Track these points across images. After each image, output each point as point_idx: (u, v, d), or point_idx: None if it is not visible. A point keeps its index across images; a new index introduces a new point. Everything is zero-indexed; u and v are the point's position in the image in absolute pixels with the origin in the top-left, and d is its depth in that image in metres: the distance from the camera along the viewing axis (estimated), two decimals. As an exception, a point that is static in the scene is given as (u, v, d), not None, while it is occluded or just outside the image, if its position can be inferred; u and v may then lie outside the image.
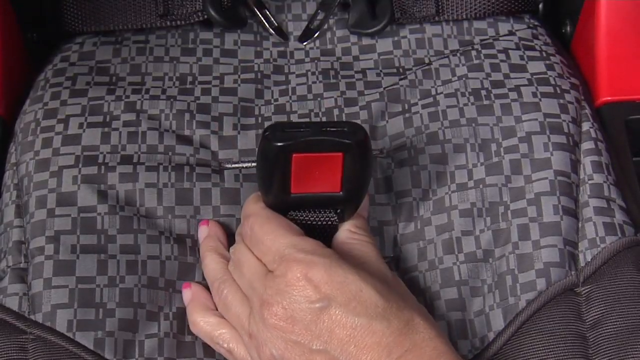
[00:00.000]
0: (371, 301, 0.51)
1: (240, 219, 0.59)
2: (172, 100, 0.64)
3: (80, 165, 0.60)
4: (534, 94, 0.64)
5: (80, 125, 0.62)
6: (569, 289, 0.58)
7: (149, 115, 0.63)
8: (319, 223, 0.56)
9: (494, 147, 0.62)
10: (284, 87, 0.66)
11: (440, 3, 0.68)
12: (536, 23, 0.69)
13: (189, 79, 0.66)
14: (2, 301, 0.57)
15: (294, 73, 0.67)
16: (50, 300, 0.56)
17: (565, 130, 0.62)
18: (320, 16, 0.70)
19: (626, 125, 0.65)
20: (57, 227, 0.59)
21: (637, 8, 0.66)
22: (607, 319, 0.56)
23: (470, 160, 0.62)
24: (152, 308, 0.57)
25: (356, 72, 0.67)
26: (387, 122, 0.64)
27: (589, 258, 0.58)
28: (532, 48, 0.67)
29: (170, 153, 0.62)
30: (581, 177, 0.61)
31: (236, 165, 0.62)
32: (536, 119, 0.63)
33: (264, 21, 0.69)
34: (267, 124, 0.64)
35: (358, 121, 0.64)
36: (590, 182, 0.61)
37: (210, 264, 0.58)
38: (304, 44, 0.69)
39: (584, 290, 0.58)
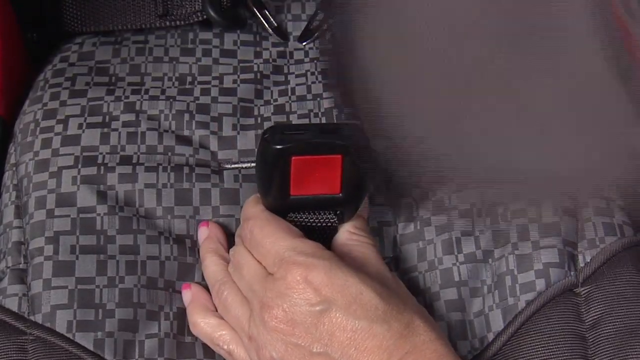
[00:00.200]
0: (371, 304, 0.51)
1: (239, 219, 0.59)
2: (171, 100, 0.64)
3: (79, 166, 0.60)
4: (534, 94, 0.64)
5: (80, 126, 0.62)
6: (568, 290, 0.58)
7: (148, 115, 0.63)
8: (319, 225, 0.56)
9: (493, 147, 0.62)
10: (283, 87, 0.66)
11: (439, 3, 0.68)
12: (536, 23, 0.69)
13: (189, 79, 0.66)
14: (1, 302, 0.57)
15: (293, 73, 0.67)
16: (49, 300, 0.56)
17: (565, 130, 0.62)
18: (319, 16, 0.69)
19: (626, 125, 0.65)
20: (56, 227, 0.59)
21: (637, 8, 0.66)
22: (607, 320, 0.56)
23: (470, 160, 0.62)
24: (152, 308, 0.57)
25: None
26: (387, 122, 0.64)
27: (588, 258, 0.58)
28: (531, 48, 0.67)
29: (169, 153, 0.62)
30: (581, 177, 0.61)
31: (235, 165, 0.62)
32: (536, 119, 0.63)
33: (264, 21, 0.69)
34: (266, 124, 0.64)
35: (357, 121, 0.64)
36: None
37: (210, 265, 0.58)
38: (304, 44, 0.69)
39: (583, 290, 0.58)
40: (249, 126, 0.64)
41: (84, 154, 0.61)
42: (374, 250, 0.56)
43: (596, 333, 0.56)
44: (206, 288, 0.58)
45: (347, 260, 0.54)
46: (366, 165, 0.53)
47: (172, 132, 0.63)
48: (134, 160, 0.61)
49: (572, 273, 0.58)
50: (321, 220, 0.55)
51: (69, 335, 0.56)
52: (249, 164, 0.62)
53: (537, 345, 0.56)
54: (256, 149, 0.62)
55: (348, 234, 0.56)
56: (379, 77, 0.51)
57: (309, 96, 0.65)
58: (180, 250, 0.59)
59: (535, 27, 0.47)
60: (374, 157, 0.56)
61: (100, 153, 0.61)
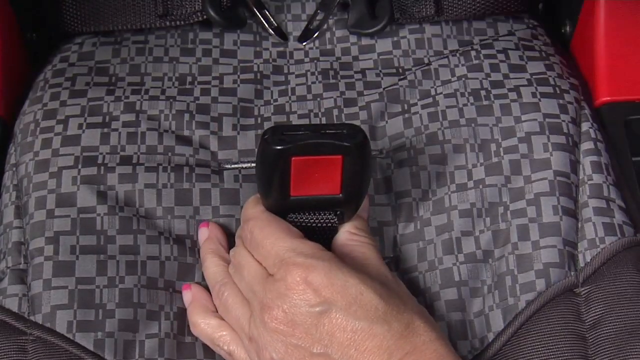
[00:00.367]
0: (371, 304, 0.51)
1: (239, 219, 0.59)
2: (171, 100, 0.64)
3: (79, 166, 0.60)
4: (534, 94, 0.64)
5: (80, 126, 0.62)
6: (568, 290, 0.58)
7: (148, 115, 0.63)
8: (319, 225, 0.56)
9: (493, 147, 0.62)
10: (283, 87, 0.66)
11: (439, 3, 0.68)
12: (536, 23, 0.69)
13: (189, 79, 0.66)
14: (1, 302, 0.57)
15: (293, 73, 0.67)
16: (50, 301, 0.57)
17: (565, 130, 0.62)
18: (319, 16, 0.69)
19: (626, 125, 0.65)
20: (56, 227, 0.59)
21: (637, 8, 0.66)
22: (607, 320, 0.56)
23: (469, 160, 0.62)
24: (152, 308, 0.57)
25: (355, 72, 0.67)
26: (387, 122, 0.64)
27: (588, 258, 0.58)
28: (531, 48, 0.67)
29: (169, 154, 0.62)
30: (580, 177, 0.61)
31: (236, 165, 0.62)
32: (535, 120, 0.63)
33: (264, 21, 0.69)
34: (266, 124, 0.64)
35: (357, 122, 0.64)
36: (589, 182, 0.61)
37: (211, 266, 0.58)
38: (304, 44, 0.69)
39: (583, 290, 0.58)
40: (249, 126, 0.64)
41: (84, 154, 0.61)
42: (374, 250, 0.56)
43: (596, 333, 0.56)
44: (206, 288, 0.58)
45: (347, 261, 0.54)
46: (366, 165, 0.53)
47: (172, 132, 0.63)
48: (134, 161, 0.61)
49: (572, 273, 0.58)
50: (321, 221, 0.55)
51: (69, 336, 0.56)
52: (249, 164, 0.62)
53: (537, 345, 0.56)
54: (256, 150, 0.62)
55: (348, 234, 0.56)
56: None
57: (309, 96, 0.65)
58: (180, 251, 0.59)
59: None
60: (373, 157, 0.56)
61: (101, 153, 0.61)
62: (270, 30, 0.69)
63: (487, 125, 0.63)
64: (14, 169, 0.62)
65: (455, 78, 0.65)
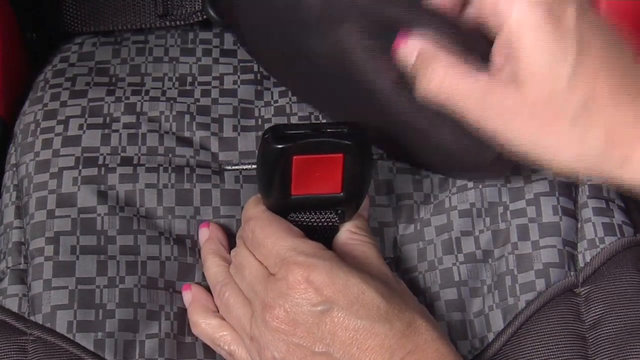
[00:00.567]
0: (373, 303, 0.51)
1: (240, 220, 0.59)
2: (172, 102, 0.64)
3: (80, 167, 0.60)
4: (534, 94, 0.64)
5: (80, 127, 0.62)
6: (568, 290, 0.58)
7: (149, 117, 0.63)
8: (320, 224, 0.56)
9: (493, 147, 0.62)
10: (283, 88, 0.66)
11: (439, 3, 0.68)
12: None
13: (189, 79, 0.66)
14: (1, 302, 0.57)
15: None
16: (50, 301, 0.56)
17: (565, 130, 0.62)
18: (319, 16, 0.69)
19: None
20: (57, 228, 0.59)
21: (637, 8, 0.66)
22: (607, 320, 0.56)
23: (470, 160, 0.62)
24: (153, 308, 0.57)
25: None
26: (387, 122, 0.64)
27: (588, 259, 0.58)
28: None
29: (170, 155, 0.62)
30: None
31: (236, 167, 0.62)
32: (536, 120, 0.63)
33: (264, 21, 0.69)
34: (267, 125, 0.64)
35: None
36: (589, 182, 0.61)
37: (212, 267, 0.58)
38: (304, 44, 0.69)
39: (583, 290, 0.58)
40: (250, 127, 0.64)
41: (85, 154, 0.61)
42: (375, 249, 0.56)
43: (596, 333, 0.56)
44: (207, 288, 0.58)
45: (348, 260, 0.54)
46: (367, 164, 0.53)
47: (173, 133, 0.63)
48: (135, 162, 0.61)
49: (572, 273, 0.58)
50: (322, 220, 0.55)
51: (69, 336, 0.56)
52: (249, 165, 0.62)
53: (537, 345, 0.56)
54: (257, 150, 0.62)
55: (349, 234, 0.56)
56: None
57: None
58: (180, 251, 0.59)
59: None
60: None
61: (101, 154, 0.61)
62: (270, 30, 0.69)
63: (487, 125, 0.63)
64: (15, 169, 0.62)
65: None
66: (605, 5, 0.66)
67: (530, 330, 0.57)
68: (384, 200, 0.61)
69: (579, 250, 0.59)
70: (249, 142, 0.63)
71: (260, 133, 0.63)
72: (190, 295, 0.58)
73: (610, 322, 0.56)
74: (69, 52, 0.67)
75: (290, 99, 0.65)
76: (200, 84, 0.65)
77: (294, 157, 0.52)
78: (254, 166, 0.62)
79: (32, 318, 0.57)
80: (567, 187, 0.60)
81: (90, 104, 0.63)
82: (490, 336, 0.58)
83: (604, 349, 0.56)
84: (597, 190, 0.61)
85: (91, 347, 0.56)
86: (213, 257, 0.58)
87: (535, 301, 0.57)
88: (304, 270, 0.51)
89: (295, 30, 0.57)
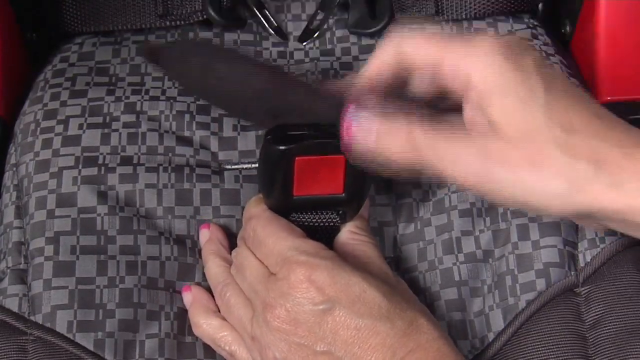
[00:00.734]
0: (375, 302, 0.51)
1: (240, 219, 0.59)
2: (171, 101, 0.64)
3: (80, 167, 0.60)
4: (534, 94, 0.64)
5: (80, 126, 0.62)
6: (568, 290, 0.58)
7: (148, 116, 0.63)
8: (321, 224, 0.56)
9: (493, 147, 0.62)
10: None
11: (439, 3, 0.68)
12: (535, 23, 0.69)
13: (189, 79, 0.66)
14: (2, 302, 0.57)
15: (293, 73, 0.67)
16: (50, 301, 0.56)
17: (565, 130, 0.62)
18: (319, 16, 0.69)
19: (626, 125, 0.65)
20: (57, 228, 0.59)
21: (637, 8, 0.66)
22: (607, 319, 0.56)
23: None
24: (153, 308, 0.57)
25: (356, 72, 0.67)
26: (387, 122, 0.64)
27: (588, 258, 0.58)
28: (531, 48, 0.67)
29: (170, 154, 0.62)
30: (581, 177, 0.61)
31: (236, 166, 0.62)
32: (536, 119, 0.63)
33: (264, 21, 0.69)
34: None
35: None
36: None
37: (213, 267, 0.58)
38: (304, 44, 0.69)
39: (583, 290, 0.58)
40: (250, 127, 0.63)
41: (85, 154, 0.61)
42: (375, 249, 0.56)
43: (596, 333, 0.56)
44: (207, 289, 0.58)
45: (349, 259, 0.54)
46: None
47: (173, 132, 0.63)
48: (135, 161, 0.61)
49: (572, 273, 0.58)
50: (324, 220, 0.55)
51: (69, 336, 0.56)
52: (249, 165, 0.62)
53: (538, 345, 0.56)
54: (257, 150, 0.62)
55: (349, 234, 0.56)
56: None
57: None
58: (180, 251, 0.59)
59: None
60: None
61: (101, 154, 0.61)
62: (271, 30, 0.69)
63: (487, 125, 0.63)
64: (15, 169, 0.62)
65: (455, 78, 0.65)
66: (605, 5, 0.66)
67: (530, 330, 0.57)
68: (383, 200, 0.61)
69: (579, 250, 0.59)
70: (248, 141, 0.63)
71: (260, 133, 0.63)
72: (191, 296, 0.58)
73: (610, 322, 0.56)
74: (69, 52, 0.67)
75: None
76: (200, 83, 0.65)
77: (297, 158, 0.52)
78: (254, 166, 0.62)
79: (32, 318, 0.57)
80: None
81: (90, 103, 0.63)
82: (491, 336, 0.58)
83: (604, 348, 0.56)
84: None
85: (91, 347, 0.56)
86: (214, 258, 0.58)
87: (536, 301, 0.57)
88: (306, 270, 0.51)
89: None
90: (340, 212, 0.55)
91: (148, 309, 0.57)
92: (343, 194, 0.54)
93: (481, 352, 0.57)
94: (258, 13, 0.69)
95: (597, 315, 0.57)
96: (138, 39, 0.68)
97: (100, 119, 0.62)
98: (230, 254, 0.58)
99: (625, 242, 0.59)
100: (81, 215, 0.59)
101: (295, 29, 0.70)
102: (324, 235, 0.56)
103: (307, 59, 0.68)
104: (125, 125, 0.62)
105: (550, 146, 0.47)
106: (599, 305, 0.57)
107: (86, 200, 0.59)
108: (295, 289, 0.51)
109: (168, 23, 0.68)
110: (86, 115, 0.63)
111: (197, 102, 0.64)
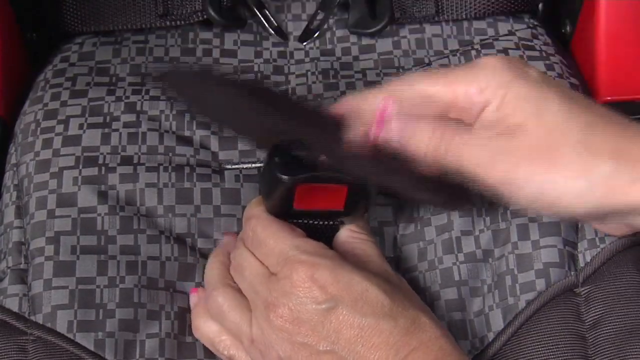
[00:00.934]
0: (377, 300, 0.51)
1: (241, 218, 0.59)
2: (172, 101, 0.64)
3: (80, 166, 0.60)
4: (534, 94, 0.64)
5: (81, 126, 0.62)
6: (568, 290, 0.58)
7: (149, 116, 0.63)
8: (321, 224, 0.56)
9: (493, 147, 0.62)
10: (283, 87, 0.66)
11: (440, 3, 0.68)
12: (536, 23, 0.69)
13: (189, 79, 0.66)
14: (2, 302, 0.57)
15: (293, 73, 0.67)
16: (50, 301, 0.57)
17: (565, 130, 0.62)
18: (320, 16, 0.69)
19: (626, 125, 0.65)
20: (57, 228, 0.59)
21: (637, 8, 0.66)
22: (607, 320, 0.56)
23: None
24: (153, 308, 0.57)
25: (356, 72, 0.67)
26: (387, 122, 0.64)
27: (588, 258, 0.58)
28: (531, 48, 0.67)
29: (170, 154, 0.62)
30: (581, 177, 0.61)
31: (236, 166, 0.62)
32: (536, 119, 0.63)
33: (264, 21, 0.69)
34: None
35: None
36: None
37: (208, 270, 0.57)
38: (304, 44, 0.69)
39: (583, 290, 0.58)
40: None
41: (85, 154, 0.61)
42: (375, 248, 0.56)
43: (596, 333, 0.56)
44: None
45: (349, 258, 0.54)
46: (372, 190, 0.54)
47: (173, 132, 0.63)
48: (135, 161, 0.61)
49: (572, 273, 0.58)
50: (323, 221, 0.56)
51: (70, 336, 0.56)
52: (249, 165, 0.62)
53: (537, 345, 0.56)
54: (257, 150, 0.62)
55: (349, 232, 0.56)
56: None
57: (310, 96, 0.65)
58: (180, 251, 0.59)
59: None
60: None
61: (101, 153, 0.61)
62: (271, 30, 0.69)
63: (487, 125, 0.63)
64: (15, 169, 0.62)
65: (455, 78, 0.65)
66: (605, 5, 0.66)
67: (530, 330, 0.57)
68: (383, 200, 0.61)
69: (579, 250, 0.59)
70: (249, 141, 0.63)
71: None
72: (196, 298, 0.58)
73: (610, 322, 0.56)
74: (69, 52, 0.67)
75: (289, 99, 0.65)
76: (200, 83, 0.65)
77: (299, 186, 0.52)
78: (254, 165, 0.62)
79: (32, 318, 0.57)
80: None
81: (91, 103, 0.63)
82: (490, 336, 0.58)
83: (604, 349, 0.56)
84: None
85: (91, 347, 0.56)
86: (213, 262, 0.58)
87: (536, 301, 0.57)
88: (309, 269, 0.51)
89: None
90: (341, 220, 0.56)
91: (148, 309, 0.57)
92: (343, 210, 0.54)
93: (481, 352, 0.57)
94: (258, 13, 0.69)
95: (597, 315, 0.57)
96: (138, 39, 0.68)
97: (100, 119, 0.62)
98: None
99: (625, 242, 0.58)
100: (81, 215, 0.59)
101: (295, 29, 0.70)
102: (324, 235, 0.56)
103: (307, 59, 0.68)
104: (126, 125, 0.62)
105: (569, 145, 0.49)
106: (599, 305, 0.57)
107: (86, 200, 0.59)
108: (298, 288, 0.51)
109: (168, 23, 0.68)
110: (86, 115, 0.63)
111: (197, 102, 0.64)
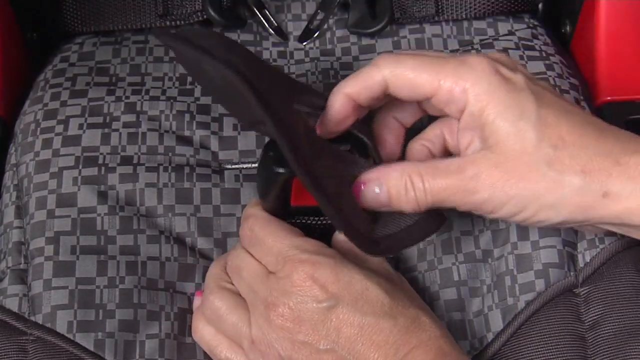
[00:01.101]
0: (377, 299, 0.51)
1: (240, 218, 0.59)
2: (172, 101, 0.64)
3: (80, 167, 0.60)
4: (534, 95, 0.64)
5: (80, 126, 0.62)
6: (567, 290, 0.58)
7: (149, 116, 0.63)
8: (319, 223, 0.56)
9: (493, 147, 0.62)
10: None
11: (440, 3, 0.68)
12: (536, 23, 0.69)
13: (189, 79, 0.66)
14: (2, 302, 0.57)
15: (293, 73, 0.67)
16: (50, 301, 0.57)
17: (565, 130, 0.62)
18: (320, 16, 0.69)
19: (626, 125, 0.65)
20: (57, 228, 0.59)
21: (637, 8, 0.66)
22: (606, 320, 0.56)
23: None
24: (153, 308, 0.57)
25: None
26: (387, 122, 0.64)
27: (587, 259, 0.58)
28: (531, 48, 0.67)
29: (170, 154, 0.62)
30: (580, 177, 0.61)
31: (236, 165, 0.62)
32: (536, 120, 0.63)
33: (264, 21, 0.69)
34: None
35: None
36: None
37: (208, 275, 0.58)
38: (304, 44, 0.69)
39: (582, 291, 0.58)
40: (250, 127, 0.64)
41: (85, 154, 0.61)
42: None
43: (596, 333, 0.56)
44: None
45: (348, 257, 0.54)
46: None
47: (173, 132, 0.63)
48: (135, 161, 0.61)
49: (571, 273, 0.58)
50: (321, 219, 0.56)
51: (70, 336, 0.56)
52: (249, 165, 0.62)
53: (537, 345, 0.56)
54: (257, 150, 0.62)
55: None
56: None
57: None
58: (180, 251, 0.59)
59: None
60: None
61: (101, 153, 0.61)
62: (271, 30, 0.69)
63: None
64: (15, 169, 0.62)
65: (455, 78, 0.65)
66: (605, 5, 0.66)
67: (529, 330, 0.57)
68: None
69: (578, 250, 0.59)
70: (249, 141, 0.63)
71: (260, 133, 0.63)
72: (199, 300, 0.58)
73: (609, 323, 0.56)
74: (69, 52, 0.67)
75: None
76: (200, 83, 0.65)
77: (295, 180, 0.52)
78: (254, 165, 0.62)
79: (32, 318, 0.57)
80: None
81: (91, 103, 0.63)
82: (490, 336, 0.58)
83: (604, 349, 0.56)
84: None
85: (91, 347, 0.56)
86: (211, 267, 0.58)
87: (535, 301, 0.57)
88: (309, 268, 0.51)
89: None
90: None
91: (148, 309, 0.57)
92: None
93: (480, 352, 0.57)
94: (258, 13, 0.69)
95: (596, 315, 0.57)
96: (138, 39, 0.68)
97: (100, 119, 0.62)
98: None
99: (625, 242, 0.59)
100: (81, 215, 0.59)
101: (295, 29, 0.69)
102: (322, 234, 0.56)
103: (307, 59, 0.68)
104: (126, 125, 0.62)
105: (540, 163, 0.50)
106: (599, 305, 0.57)
107: (86, 200, 0.59)
108: (299, 287, 0.51)
109: (168, 23, 0.68)
110: (86, 115, 0.63)
111: (197, 102, 0.64)
